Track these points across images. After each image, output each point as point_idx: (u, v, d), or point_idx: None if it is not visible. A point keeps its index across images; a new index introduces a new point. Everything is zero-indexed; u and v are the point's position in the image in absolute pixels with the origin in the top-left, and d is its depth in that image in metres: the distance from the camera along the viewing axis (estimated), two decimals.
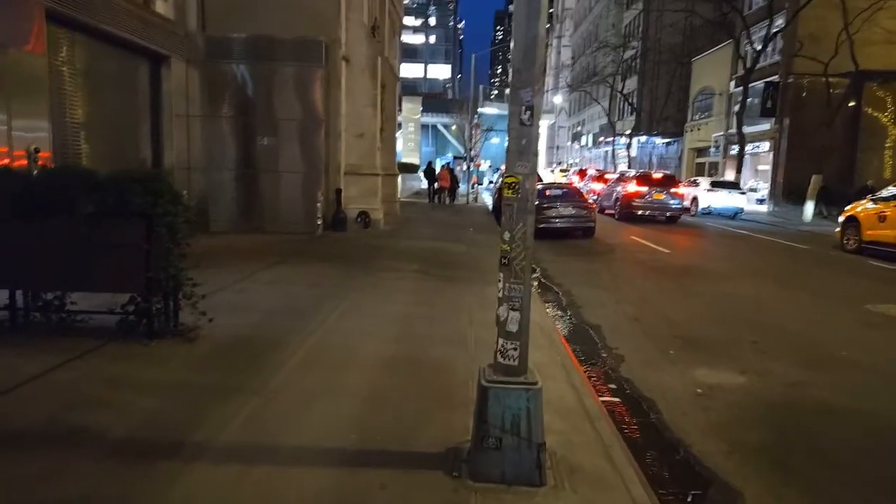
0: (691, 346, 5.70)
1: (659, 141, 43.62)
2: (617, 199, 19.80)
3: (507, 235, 2.86)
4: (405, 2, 29.13)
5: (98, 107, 9.43)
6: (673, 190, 19.05)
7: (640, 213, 18.81)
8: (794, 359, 5.34)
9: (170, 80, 11.21)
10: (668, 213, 19.07)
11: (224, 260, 8.76)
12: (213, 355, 4.50)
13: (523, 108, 2.74)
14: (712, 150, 34.35)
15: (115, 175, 4.53)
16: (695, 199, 22.66)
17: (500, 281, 2.91)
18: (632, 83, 44.98)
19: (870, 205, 12.54)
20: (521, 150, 2.79)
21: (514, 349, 2.89)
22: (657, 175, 20.79)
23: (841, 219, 13.51)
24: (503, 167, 20.93)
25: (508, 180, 2.84)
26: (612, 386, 4.68)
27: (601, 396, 4.37)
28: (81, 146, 9.05)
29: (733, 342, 5.83)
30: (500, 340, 2.91)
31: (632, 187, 19.15)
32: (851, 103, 23.48)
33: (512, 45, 2.86)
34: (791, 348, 5.69)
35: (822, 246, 14.19)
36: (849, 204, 13.78)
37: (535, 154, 2.83)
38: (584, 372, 4.84)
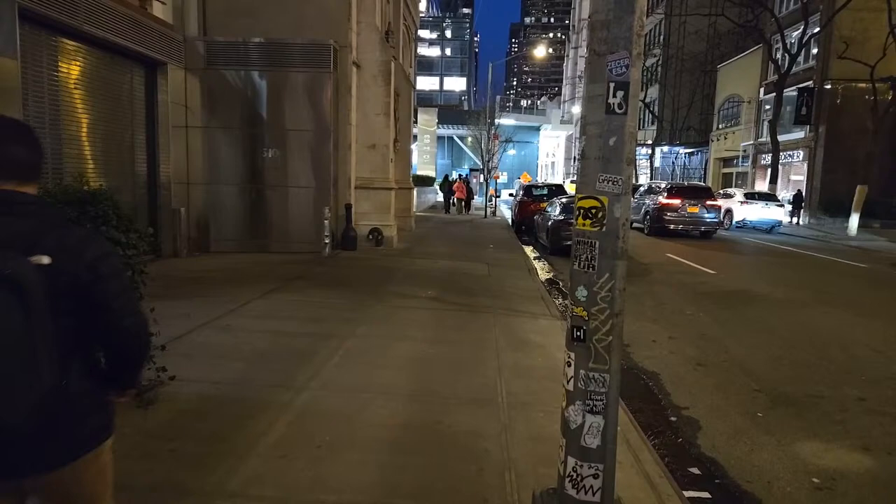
0: (782, 404, 4.51)
1: (682, 151, 42.22)
2: (647, 212, 18.54)
3: (581, 293, 1.76)
4: (421, 14, 28.38)
5: (85, 118, 8.55)
6: (709, 202, 17.74)
7: (672, 227, 17.55)
8: None
9: (167, 87, 10.33)
10: (702, 228, 17.81)
11: (217, 286, 7.78)
12: (169, 429, 3.43)
13: (612, 85, 1.66)
14: (741, 159, 32.88)
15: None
16: (728, 212, 21.24)
17: (568, 364, 1.82)
18: (653, 92, 43.70)
19: None
20: (607, 157, 1.70)
21: (594, 476, 1.79)
22: (690, 186, 19.52)
23: None
24: (522, 178, 19.75)
25: (584, 204, 1.75)
26: (694, 471, 3.51)
27: (684, 490, 3.22)
28: (63, 162, 8.14)
29: (835, 399, 4.63)
30: (572, 461, 1.81)
31: (663, 200, 17.88)
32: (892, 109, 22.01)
33: None
34: None
35: (881, 264, 12.84)
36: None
37: (631, 162, 1.74)
38: (655, 448, 3.68)
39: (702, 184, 28.60)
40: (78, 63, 8.34)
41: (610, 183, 1.70)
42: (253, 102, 11.09)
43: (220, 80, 10.95)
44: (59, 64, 7.97)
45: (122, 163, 9.62)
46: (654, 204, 18.14)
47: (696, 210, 17.47)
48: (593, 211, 1.71)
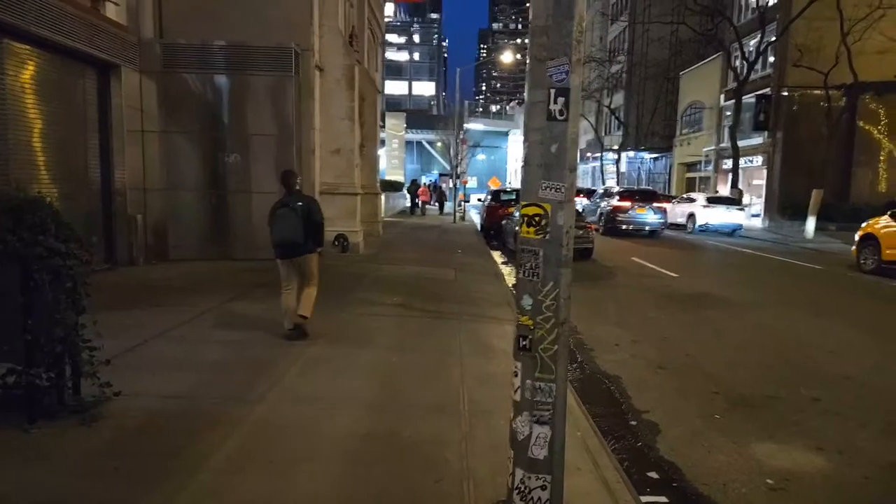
0: (739, 406, 4.58)
1: (647, 156, 43.03)
2: (601, 213, 20.37)
3: (527, 301, 1.73)
4: (387, 19, 28.38)
5: (34, 122, 8.22)
6: (655, 205, 19.60)
7: (623, 227, 19.27)
8: (879, 423, 4.25)
9: (121, 91, 10.01)
10: (648, 228, 19.50)
11: (173, 295, 7.54)
12: (112, 447, 3.28)
13: (552, 92, 1.63)
14: (703, 164, 33.69)
15: None
16: (691, 216, 21.89)
17: (515, 375, 1.78)
18: (618, 98, 44.48)
19: (889, 221, 11.61)
20: (549, 164, 1.68)
21: (542, 488, 1.75)
22: (640, 190, 22.01)
23: (857, 236, 12.56)
24: (491, 183, 19.97)
25: (528, 212, 1.71)
26: (653, 475, 3.53)
27: (642, 494, 3.22)
28: (10, 167, 7.80)
29: (790, 400, 4.72)
30: (519, 473, 1.77)
31: (616, 203, 19.91)
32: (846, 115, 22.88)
33: None
34: (867, 407, 4.59)
35: (836, 265, 13.26)
36: (862, 221, 12.87)
37: (573, 169, 1.71)
38: (615, 453, 3.68)
39: (649, 188, 31.74)
40: (25, 66, 8.01)
41: (553, 190, 1.67)
42: (213, 106, 10.83)
43: (179, 83, 10.66)
44: (6, 66, 7.64)
45: (75, 169, 9.28)
46: (608, 206, 20.11)
47: (644, 211, 19.31)
48: (537, 218, 1.68)
